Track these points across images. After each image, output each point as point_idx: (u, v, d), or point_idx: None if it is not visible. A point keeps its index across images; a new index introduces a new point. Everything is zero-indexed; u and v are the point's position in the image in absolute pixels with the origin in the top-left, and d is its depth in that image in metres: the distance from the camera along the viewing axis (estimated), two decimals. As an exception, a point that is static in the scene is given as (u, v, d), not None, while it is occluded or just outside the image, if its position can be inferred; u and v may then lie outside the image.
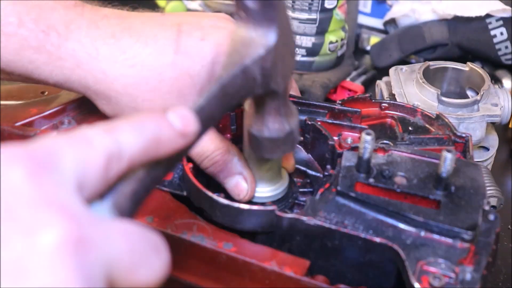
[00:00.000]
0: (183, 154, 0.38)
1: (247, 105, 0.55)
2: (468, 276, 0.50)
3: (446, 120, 0.65)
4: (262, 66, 0.44)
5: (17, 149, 0.30)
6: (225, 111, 0.43)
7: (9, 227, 0.28)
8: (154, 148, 0.35)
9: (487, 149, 0.91)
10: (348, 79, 1.07)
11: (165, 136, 0.35)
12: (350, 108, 0.66)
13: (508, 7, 1.00)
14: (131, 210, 0.35)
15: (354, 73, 1.09)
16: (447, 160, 0.54)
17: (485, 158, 0.89)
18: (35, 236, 0.28)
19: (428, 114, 0.67)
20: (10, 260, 0.28)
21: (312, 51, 1.04)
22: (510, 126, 0.98)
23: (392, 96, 0.91)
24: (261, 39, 0.43)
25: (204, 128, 0.40)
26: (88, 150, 0.32)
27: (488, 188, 0.82)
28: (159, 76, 0.57)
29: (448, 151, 0.54)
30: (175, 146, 0.36)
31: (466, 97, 0.93)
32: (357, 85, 1.05)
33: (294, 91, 0.67)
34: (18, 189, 0.29)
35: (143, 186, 0.36)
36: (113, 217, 0.34)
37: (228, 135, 0.67)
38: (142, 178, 0.35)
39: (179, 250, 0.55)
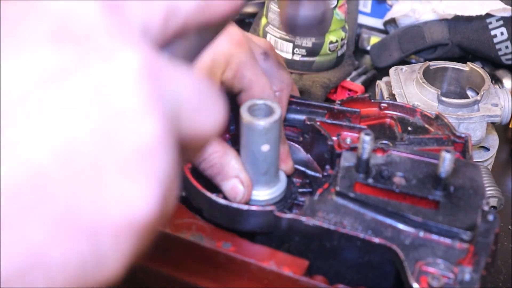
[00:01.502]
0: (229, 21, 0.39)
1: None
2: (467, 277, 0.50)
3: (446, 120, 0.65)
4: None
5: None
6: None
7: (89, 52, 0.28)
8: (206, 10, 0.36)
9: (487, 149, 0.91)
10: (348, 79, 1.07)
11: (216, 1, 0.36)
12: (349, 108, 0.66)
13: (508, 7, 1.00)
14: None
15: (354, 73, 1.09)
16: (446, 160, 0.54)
17: (485, 158, 0.89)
18: (114, 60, 0.29)
19: (427, 114, 0.67)
20: (91, 82, 0.28)
21: (312, 51, 1.04)
22: (510, 126, 0.98)
23: (392, 96, 0.91)
24: None
25: None
26: (148, 5, 0.32)
27: (488, 188, 0.82)
28: None
29: (447, 151, 0.54)
30: (224, 10, 0.37)
31: (466, 97, 0.93)
32: (357, 85, 1.05)
33: (293, 91, 0.67)
34: (92, 20, 0.29)
35: (193, 46, 0.37)
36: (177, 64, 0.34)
37: (227, 135, 0.67)
38: (193, 39, 0.37)
39: (178, 249, 0.55)
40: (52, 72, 0.27)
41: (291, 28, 0.53)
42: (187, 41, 0.36)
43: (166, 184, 0.30)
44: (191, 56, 0.38)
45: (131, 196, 0.28)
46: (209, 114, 0.34)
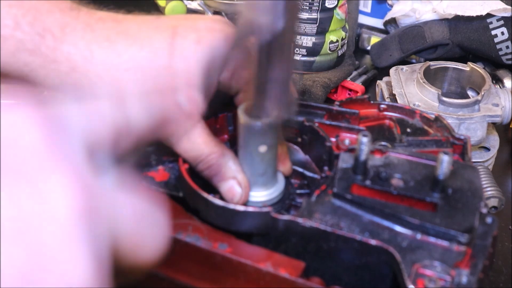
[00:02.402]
0: (180, 131, 0.39)
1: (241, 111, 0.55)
2: (464, 280, 0.49)
3: (445, 122, 0.65)
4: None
5: (32, 109, 0.30)
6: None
7: (21, 187, 0.28)
8: (161, 127, 0.35)
9: (488, 149, 0.91)
10: (348, 79, 1.07)
11: (173, 117, 0.36)
12: (348, 110, 0.66)
13: (508, 7, 0.99)
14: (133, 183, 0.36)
15: (354, 73, 1.09)
16: (444, 162, 0.54)
17: (486, 158, 0.89)
18: (46, 197, 0.28)
19: (426, 116, 0.66)
20: (19, 216, 0.27)
21: (313, 51, 1.04)
22: (511, 126, 0.98)
23: (392, 96, 0.91)
24: (268, 25, 0.45)
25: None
26: (99, 121, 0.32)
27: (488, 189, 0.82)
28: (154, 80, 0.57)
29: (445, 153, 0.54)
30: (179, 125, 0.36)
31: (467, 97, 0.93)
32: (357, 85, 1.05)
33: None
34: (31, 150, 0.29)
35: (143, 156, 0.36)
36: (118, 188, 0.33)
37: (226, 135, 0.67)
38: (143, 151, 0.36)
39: (174, 250, 0.54)
40: None
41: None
42: (138, 154, 0.35)
43: None
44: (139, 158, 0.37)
45: None
46: (149, 244, 0.33)
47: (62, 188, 0.28)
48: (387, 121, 0.67)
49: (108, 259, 0.30)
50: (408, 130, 0.66)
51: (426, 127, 0.66)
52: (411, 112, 0.67)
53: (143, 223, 0.32)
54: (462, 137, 0.63)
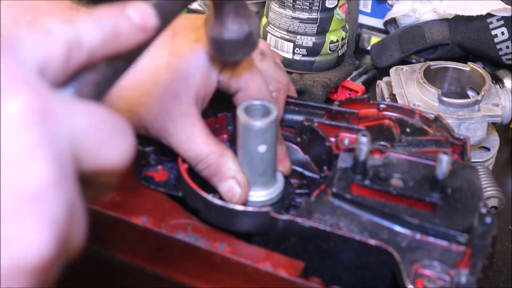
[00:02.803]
0: (144, 49, 0.39)
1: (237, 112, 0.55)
2: (463, 280, 0.49)
3: (444, 122, 0.65)
4: None
5: None
6: (183, 7, 0.44)
7: None
8: (113, 41, 0.36)
9: (488, 149, 0.91)
10: (349, 79, 1.07)
11: (124, 30, 0.36)
12: (347, 109, 0.66)
13: (509, 7, 0.99)
14: (93, 99, 0.36)
15: (355, 73, 1.09)
16: (443, 162, 0.54)
17: (486, 158, 0.89)
18: (1, 104, 0.29)
19: (426, 116, 0.66)
20: None
21: (313, 51, 1.03)
22: (511, 126, 0.98)
23: (392, 96, 0.91)
24: None
25: (163, 23, 0.41)
26: (48, 39, 0.33)
27: (489, 189, 0.82)
28: (154, 79, 0.57)
29: (445, 153, 0.54)
30: (134, 40, 0.37)
31: (467, 97, 0.93)
32: (358, 85, 1.04)
33: (290, 91, 0.67)
34: None
35: (104, 77, 0.37)
36: (75, 100, 0.35)
37: (225, 135, 0.67)
38: (103, 70, 0.37)
39: (174, 250, 0.55)
40: None
41: (218, 53, 0.53)
42: (97, 72, 0.36)
43: (61, 225, 0.30)
44: (103, 87, 0.37)
45: (22, 241, 0.28)
46: (112, 147, 0.34)
47: (15, 95, 0.29)
48: (386, 121, 0.67)
49: (71, 163, 0.31)
50: (408, 130, 0.66)
51: (425, 127, 0.66)
52: (410, 112, 0.67)
53: (104, 128, 0.33)
54: (461, 137, 0.63)
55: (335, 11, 1.02)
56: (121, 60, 0.38)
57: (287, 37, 1.03)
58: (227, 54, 0.53)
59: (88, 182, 0.33)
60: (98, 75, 0.36)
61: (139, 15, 0.37)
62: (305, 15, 1.01)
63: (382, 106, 0.68)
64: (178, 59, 0.57)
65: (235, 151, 0.58)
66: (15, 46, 0.31)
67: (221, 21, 0.51)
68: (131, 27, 0.37)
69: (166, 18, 0.41)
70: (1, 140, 0.28)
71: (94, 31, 0.35)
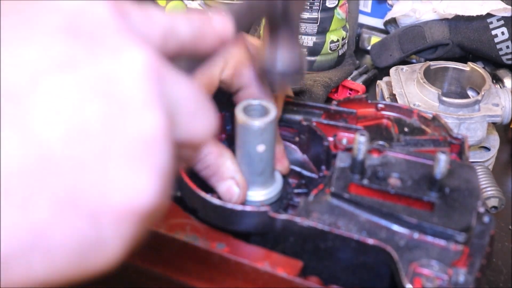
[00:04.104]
0: (215, 54, 0.43)
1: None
2: (461, 278, 0.49)
3: (442, 121, 0.65)
4: None
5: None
6: (250, 23, 0.48)
7: (98, 45, 0.30)
8: (198, 40, 0.39)
9: (488, 149, 0.91)
10: (349, 79, 1.07)
11: (208, 33, 0.40)
12: (346, 109, 0.66)
13: (509, 7, 0.99)
14: None
15: (355, 73, 1.09)
16: (441, 161, 0.54)
17: (486, 158, 0.89)
18: (123, 55, 0.30)
19: (424, 115, 0.66)
20: (100, 74, 0.29)
21: (313, 51, 1.04)
22: (511, 126, 0.98)
23: (392, 96, 0.91)
24: None
25: (237, 31, 0.44)
26: (152, 19, 0.35)
27: (489, 189, 0.82)
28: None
29: (442, 152, 0.54)
30: (213, 45, 0.41)
31: (467, 97, 0.93)
32: (358, 85, 1.04)
33: (287, 91, 0.67)
34: (103, 18, 0.31)
35: (184, 70, 0.40)
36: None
37: (223, 135, 0.67)
38: (182, 64, 0.40)
39: (172, 250, 0.55)
40: (63, 60, 0.29)
41: (267, 81, 0.55)
42: (178, 65, 0.38)
43: (165, 177, 0.31)
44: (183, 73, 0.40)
45: (133, 184, 0.29)
46: (203, 119, 0.35)
47: (136, 50, 0.31)
48: (384, 121, 0.67)
49: (173, 124, 0.32)
50: (406, 129, 0.66)
51: (423, 127, 0.66)
52: (408, 112, 0.67)
53: (198, 101, 0.35)
54: (459, 137, 0.63)
55: (335, 10, 1.02)
56: (196, 60, 0.41)
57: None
58: (277, 84, 0.56)
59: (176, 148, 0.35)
60: (179, 67, 0.39)
61: (221, 24, 0.41)
62: (305, 15, 1.01)
63: (380, 105, 0.68)
64: None
65: (233, 151, 0.59)
66: (128, 16, 0.33)
67: (275, 51, 0.54)
68: (213, 32, 0.40)
69: (240, 27, 0.45)
70: (121, 87, 0.30)
71: (186, 27, 0.37)
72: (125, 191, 0.29)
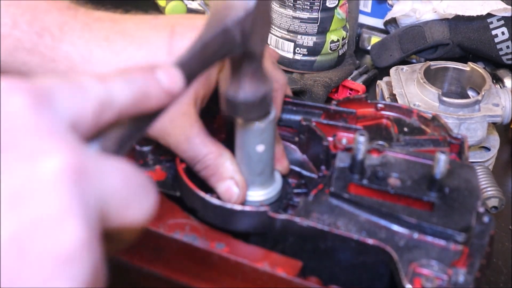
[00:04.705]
0: (166, 108, 0.40)
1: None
2: (461, 279, 0.49)
3: (442, 121, 0.65)
4: (242, 27, 0.46)
5: (17, 80, 0.31)
6: (205, 69, 0.45)
7: (10, 154, 0.29)
8: (141, 102, 0.36)
9: (488, 149, 0.91)
10: (349, 79, 1.07)
11: (152, 92, 0.37)
12: (345, 109, 0.66)
13: (509, 7, 0.99)
14: (115, 155, 0.37)
15: (355, 72, 1.09)
16: (441, 161, 0.54)
17: (486, 158, 0.89)
18: (37, 162, 0.29)
19: (424, 115, 0.66)
20: (11, 187, 0.28)
21: (314, 51, 1.04)
22: (511, 126, 0.98)
23: (393, 96, 0.90)
24: (241, 3, 0.46)
25: (188, 83, 0.41)
26: (82, 95, 0.33)
27: (489, 189, 0.82)
28: None
29: (442, 152, 0.54)
30: (160, 101, 0.38)
31: (467, 97, 0.92)
32: (358, 85, 1.04)
33: (288, 91, 0.67)
34: (18, 117, 0.30)
35: (127, 134, 0.37)
36: (104, 156, 0.35)
37: (223, 135, 0.67)
38: (127, 127, 0.37)
39: (171, 250, 0.55)
40: None
41: (231, 112, 0.53)
42: (121, 129, 0.37)
43: (87, 285, 0.29)
44: (124, 144, 0.37)
45: None
46: (137, 206, 0.34)
47: (52, 152, 0.29)
48: (384, 121, 0.67)
49: (99, 223, 0.31)
50: (405, 129, 0.66)
51: (423, 127, 0.66)
52: (408, 112, 0.67)
53: (131, 186, 0.33)
54: (459, 137, 0.63)
55: (335, 10, 1.02)
56: (144, 119, 0.38)
57: (288, 36, 1.03)
58: (240, 113, 0.54)
59: (109, 238, 0.33)
60: (121, 132, 0.37)
61: (167, 78, 0.38)
62: (305, 15, 1.01)
63: (379, 105, 0.68)
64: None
65: (233, 151, 0.58)
66: (51, 100, 0.31)
67: (238, 81, 0.52)
68: (159, 90, 0.37)
69: (188, 79, 0.41)
70: (35, 201, 0.28)
71: (125, 91, 0.35)
72: None
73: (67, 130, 0.31)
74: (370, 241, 0.52)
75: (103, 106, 0.34)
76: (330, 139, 0.63)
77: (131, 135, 0.38)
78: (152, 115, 0.39)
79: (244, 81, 0.51)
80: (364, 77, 1.09)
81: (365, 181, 0.57)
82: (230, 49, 0.47)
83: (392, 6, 1.15)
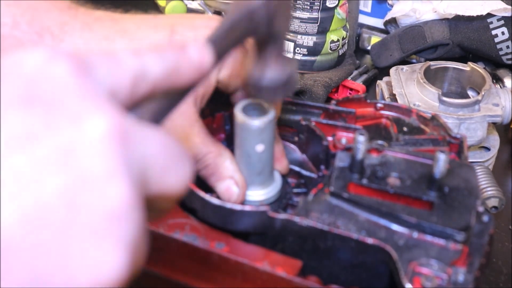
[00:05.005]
0: (196, 84, 0.41)
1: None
2: (460, 278, 0.49)
3: (441, 121, 0.65)
4: (267, 9, 0.48)
5: (59, 50, 0.32)
6: (233, 47, 0.47)
7: (58, 114, 0.29)
8: (173, 76, 0.37)
9: (488, 149, 0.91)
10: (349, 78, 1.07)
11: (183, 67, 0.38)
12: (344, 109, 0.66)
13: (509, 7, 0.99)
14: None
15: (355, 72, 1.09)
16: (440, 161, 0.54)
17: (486, 158, 0.89)
18: (83, 123, 0.29)
19: (423, 115, 0.66)
20: (59, 145, 0.28)
21: (314, 51, 1.04)
22: (511, 126, 0.98)
23: (393, 96, 0.91)
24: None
25: (219, 59, 0.43)
26: (118, 67, 0.34)
27: (489, 189, 0.82)
28: None
29: (442, 152, 0.54)
30: (191, 77, 0.39)
31: (467, 97, 0.92)
32: (358, 84, 1.04)
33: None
34: (64, 81, 0.30)
35: (160, 108, 0.38)
36: (144, 124, 0.35)
37: (222, 135, 0.67)
38: (160, 101, 0.38)
39: (171, 249, 0.55)
40: (19, 137, 0.28)
41: (256, 92, 0.54)
42: (155, 103, 0.37)
43: (133, 247, 0.30)
44: (159, 117, 0.38)
45: (99, 261, 0.28)
46: (176, 173, 0.34)
47: (97, 114, 0.30)
48: (383, 120, 0.67)
49: (141, 187, 0.31)
50: (405, 129, 0.66)
51: (422, 126, 0.66)
52: (407, 111, 0.67)
53: (169, 154, 0.34)
54: (458, 136, 0.63)
55: (335, 10, 1.02)
56: (177, 93, 0.39)
57: (288, 36, 1.03)
58: (267, 95, 0.54)
59: (148, 206, 0.33)
60: (155, 105, 0.38)
61: (198, 54, 0.39)
62: (305, 15, 1.01)
63: (379, 105, 0.68)
64: None
65: (232, 151, 0.59)
66: (92, 69, 0.32)
67: (264, 63, 0.52)
68: (190, 65, 0.38)
69: (221, 54, 0.43)
70: (83, 159, 0.28)
71: (158, 65, 0.36)
72: (90, 269, 0.28)
73: (108, 97, 0.32)
74: (370, 240, 0.52)
75: (138, 79, 0.34)
76: (330, 138, 0.63)
77: (165, 108, 0.39)
78: (184, 90, 0.40)
79: (270, 62, 0.52)
80: (364, 77, 1.09)
81: (364, 181, 0.57)
82: (256, 29, 0.49)
83: (392, 6, 1.15)
